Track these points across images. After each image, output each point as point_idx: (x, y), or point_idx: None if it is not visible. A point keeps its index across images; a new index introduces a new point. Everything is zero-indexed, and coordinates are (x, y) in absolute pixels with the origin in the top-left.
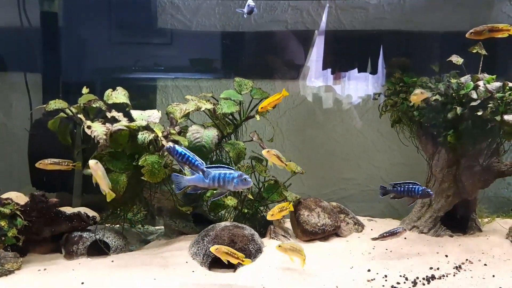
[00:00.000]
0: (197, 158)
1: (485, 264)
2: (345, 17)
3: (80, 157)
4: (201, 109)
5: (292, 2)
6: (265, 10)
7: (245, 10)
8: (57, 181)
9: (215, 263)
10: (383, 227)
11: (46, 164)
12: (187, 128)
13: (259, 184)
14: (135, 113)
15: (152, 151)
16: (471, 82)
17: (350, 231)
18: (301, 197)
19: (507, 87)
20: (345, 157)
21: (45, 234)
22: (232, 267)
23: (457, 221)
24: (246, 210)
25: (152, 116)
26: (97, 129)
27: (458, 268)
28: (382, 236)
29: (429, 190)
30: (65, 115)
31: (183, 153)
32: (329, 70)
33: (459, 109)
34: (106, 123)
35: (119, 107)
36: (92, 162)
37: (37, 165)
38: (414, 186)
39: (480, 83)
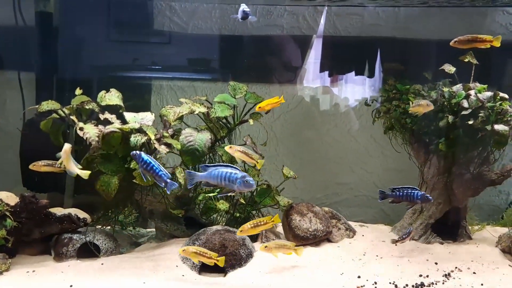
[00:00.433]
0: (162, 168)
1: (474, 273)
2: (340, 23)
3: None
4: (195, 112)
5: (288, 7)
6: (261, 15)
7: (239, 15)
8: (48, 181)
9: (205, 267)
10: (374, 233)
11: (40, 166)
12: (181, 131)
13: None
14: (128, 116)
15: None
16: (463, 91)
17: (342, 236)
18: (293, 202)
19: (498, 97)
20: (338, 162)
21: (35, 235)
22: (222, 271)
23: (448, 228)
24: (238, 214)
25: (145, 118)
26: (90, 131)
27: (447, 276)
28: (402, 239)
29: (428, 195)
30: (58, 116)
31: (148, 161)
32: (324, 75)
33: (450, 118)
34: (99, 125)
35: (112, 108)
36: (67, 145)
37: (30, 167)
38: (413, 191)
39: (472, 92)
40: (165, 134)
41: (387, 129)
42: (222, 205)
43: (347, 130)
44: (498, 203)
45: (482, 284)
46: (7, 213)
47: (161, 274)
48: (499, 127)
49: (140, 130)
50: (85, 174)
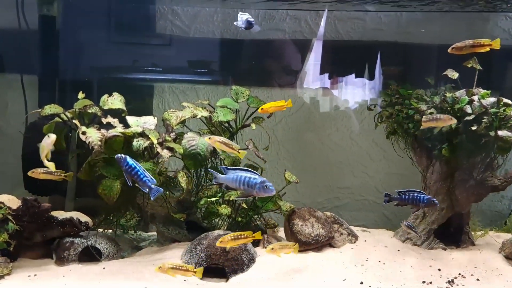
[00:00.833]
0: (147, 174)
1: (477, 279)
2: (342, 27)
3: (75, 162)
4: (197, 117)
5: (290, 11)
6: (263, 19)
7: (242, 24)
8: (50, 185)
9: (207, 273)
10: (376, 238)
11: (39, 173)
12: (183, 135)
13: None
14: (130, 119)
15: (146, 158)
16: (466, 97)
17: (344, 242)
18: (295, 207)
19: (502, 103)
20: (339, 166)
21: (36, 239)
22: (224, 276)
23: (451, 234)
24: (240, 219)
25: (147, 122)
26: (92, 135)
27: (450, 282)
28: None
29: (435, 199)
30: (60, 120)
31: (133, 166)
32: (326, 79)
33: (453, 123)
34: (101, 129)
35: (115, 112)
36: (52, 137)
37: (29, 173)
38: (419, 195)
39: (475, 97)
40: (168, 138)
41: (389, 133)
42: (224, 210)
43: (348, 134)
44: (501, 208)
45: None
46: (9, 217)
47: (163, 279)
48: (502, 133)
49: (142, 134)
50: (51, 165)
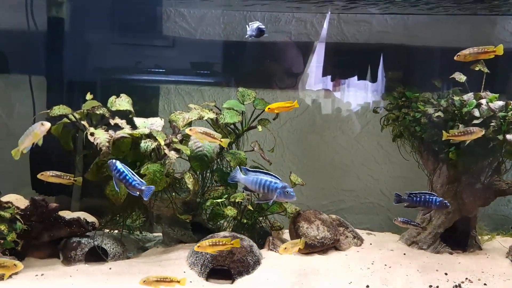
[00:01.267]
0: (136, 178)
1: (485, 284)
2: (348, 30)
3: (81, 163)
4: (204, 118)
5: (296, 14)
6: (269, 21)
7: (253, 32)
8: (56, 184)
9: (213, 274)
10: (382, 242)
11: (48, 176)
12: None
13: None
14: (138, 121)
15: (154, 159)
16: (474, 100)
17: (349, 244)
18: (300, 209)
19: (510, 107)
20: (344, 168)
21: (44, 238)
22: (229, 278)
23: (457, 238)
24: (245, 221)
25: (155, 124)
26: (100, 136)
27: (458, 287)
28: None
29: (447, 201)
30: (68, 121)
31: (121, 171)
32: (331, 81)
33: (461, 127)
34: (109, 130)
35: (122, 113)
36: (47, 124)
37: (38, 176)
38: (431, 197)
39: (483, 101)
40: (174, 139)
41: (395, 136)
42: (230, 211)
43: (353, 137)
44: (507, 212)
45: None
46: (18, 216)
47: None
48: (511, 137)
49: (150, 136)
50: (15, 153)
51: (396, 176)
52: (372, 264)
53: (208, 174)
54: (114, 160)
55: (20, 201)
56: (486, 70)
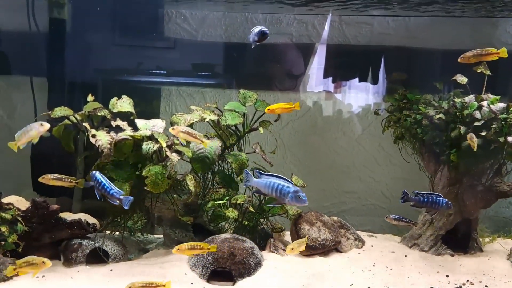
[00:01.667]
0: (113, 187)
1: (486, 286)
2: (350, 32)
3: (83, 164)
4: (205, 120)
5: (298, 15)
6: (271, 23)
7: (255, 37)
8: (58, 186)
9: (214, 276)
10: (383, 244)
11: (49, 179)
12: None
13: (260, 196)
14: (139, 122)
15: (155, 161)
16: (475, 102)
17: (351, 246)
18: (302, 211)
19: (511, 109)
20: (346, 170)
21: (44, 240)
22: (231, 280)
23: (458, 240)
24: (246, 223)
25: (156, 125)
26: (102, 138)
27: None
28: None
29: (450, 202)
30: (70, 122)
31: (99, 180)
32: (332, 83)
33: (462, 129)
34: (111, 132)
35: (123, 115)
36: (46, 125)
37: (40, 179)
38: (438, 198)
39: (484, 103)
40: (176, 141)
41: (397, 138)
42: (231, 213)
43: (355, 138)
44: (509, 214)
45: None
46: (18, 218)
47: (170, 281)
48: None
49: (151, 138)
50: (12, 145)
51: (397, 178)
52: (374, 266)
53: (209, 176)
54: (94, 171)
55: (21, 202)
56: (488, 72)
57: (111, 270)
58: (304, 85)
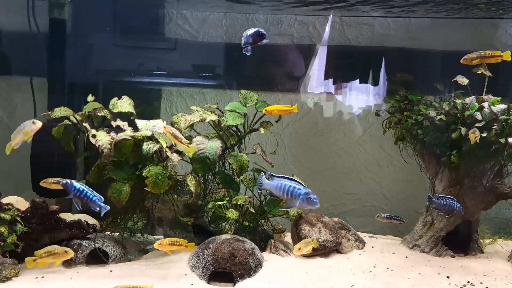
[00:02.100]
0: (95, 194)
1: (487, 287)
2: (351, 33)
3: (82, 165)
4: (206, 120)
5: (299, 16)
6: (271, 24)
7: (248, 40)
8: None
9: (214, 277)
10: (384, 245)
11: (50, 183)
12: (191, 139)
13: (261, 197)
14: (140, 123)
15: (156, 161)
16: (476, 103)
17: (351, 247)
18: (302, 212)
19: None
20: (346, 172)
21: (44, 241)
22: (231, 281)
23: (459, 241)
24: (247, 223)
25: (157, 126)
26: (102, 139)
27: None
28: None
29: (461, 207)
30: (70, 122)
31: (81, 189)
32: (334, 84)
33: (463, 130)
34: (111, 132)
35: (124, 115)
36: (38, 123)
37: (41, 184)
38: (453, 202)
39: (485, 104)
40: None
41: (397, 139)
42: (232, 214)
43: (355, 140)
44: (509, 216)
45: None
46: (18, 218)
47: (170, 283)
48: None
49: (152, 138)
50: (8, 148)
51: (398, 179)
52: (374, 267)
53: (210, 177)
54: (69, 181)
55: (20, 203)
56: (488, 73)
57: (111, 271)
58: (305, 86)
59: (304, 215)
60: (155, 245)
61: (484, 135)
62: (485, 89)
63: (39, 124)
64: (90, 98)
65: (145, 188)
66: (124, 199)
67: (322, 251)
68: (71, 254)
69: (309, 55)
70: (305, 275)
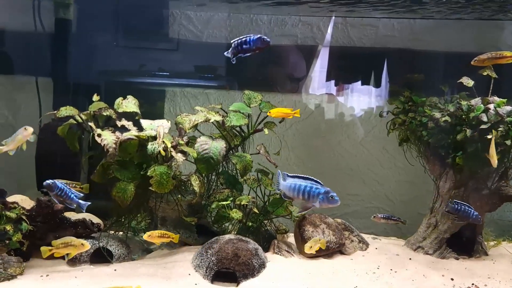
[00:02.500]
0: (74, 191)
1: None
2: (355, 34)
3: (87, 164)
4: (210, 121)
5: (303, 17)
6: (275, 24)
7: (233, 51)
8: None
9: (217, 277)
10: (388, 247)
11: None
12: (195, 139)
13: (265, 197)
14: (144, 123)
15: (160, 161)
16: (482, 105)
17: (355, 249)
18: (306, 212)
19: None
20: (350, 173)
21: (49, 239)
22: (235, 281)
23: (463, 243)
24: (250, 224)
25: (161, 126)
26: (107, 138)
27: None
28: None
29: (480, 216)
30: (75, 122)
31: (62, 188)
32: (338, 85)
33: (468, 131)
34: (116, 132)
35: (128, 115)
36: (30, 129)
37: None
38: (470, 209)
39: (491, 106)
40: (181, 141)
41: (402, 141)
42: (236, 214)
43: (359, 141)
44: None
45: None
46: (23, 217)
47: (174, 282)
48: None
49: (156, 138)
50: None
51: (402, 180)
52: (378, 268)
53: (214, 177)
54: (53, 181)
55: (25, 201)
56: (494, 75)
57: (115, 270)
58: (307, 88)
59: (308, 216)
60: (145, 236)
61: (489, 136)
62: (490, 91)
63: (30, 130)
64: (95, 97)
65: (150, 188)
66: (129, 199)
67: (325, 252)
68: (87, 246)
69: (313, 55)
70: (308, 276)
